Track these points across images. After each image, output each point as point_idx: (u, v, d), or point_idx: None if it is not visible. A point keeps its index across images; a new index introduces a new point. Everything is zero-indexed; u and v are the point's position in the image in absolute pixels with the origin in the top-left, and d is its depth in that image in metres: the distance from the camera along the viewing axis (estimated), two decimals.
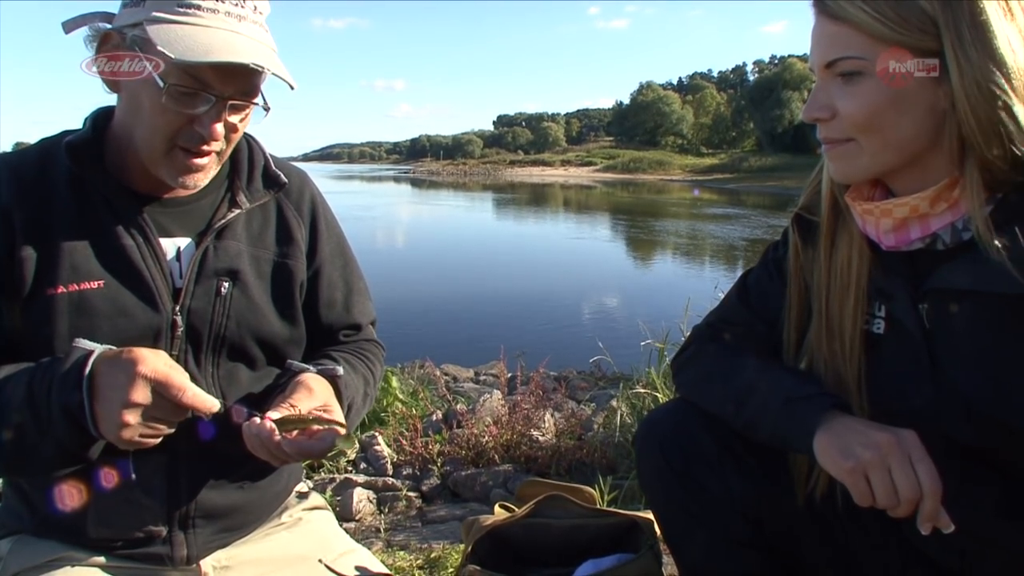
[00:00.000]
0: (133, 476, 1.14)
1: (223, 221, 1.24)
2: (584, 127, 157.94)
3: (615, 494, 2.64)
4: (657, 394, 3.00)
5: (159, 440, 1.03)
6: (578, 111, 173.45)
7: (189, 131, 1.12)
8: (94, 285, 1.12)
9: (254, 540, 1.34)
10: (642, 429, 1.21)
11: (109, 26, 1.11)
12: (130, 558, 1.21)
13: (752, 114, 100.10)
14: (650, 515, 1.30)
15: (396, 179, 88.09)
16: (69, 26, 1.12)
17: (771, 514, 1.19)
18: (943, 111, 0.96)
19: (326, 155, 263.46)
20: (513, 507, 1.39)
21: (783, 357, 1.21)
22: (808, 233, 1.17)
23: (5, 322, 1.11)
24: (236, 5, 1.10)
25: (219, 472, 1.24)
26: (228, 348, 1.23)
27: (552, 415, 3.81)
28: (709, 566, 1.21)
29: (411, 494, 3.10)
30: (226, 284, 1.21)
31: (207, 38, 1.06)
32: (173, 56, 1.03)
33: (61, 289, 1.10)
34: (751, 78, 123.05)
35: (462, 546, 2.53)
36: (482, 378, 6.27)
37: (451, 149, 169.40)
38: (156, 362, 0.98)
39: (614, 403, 4.22)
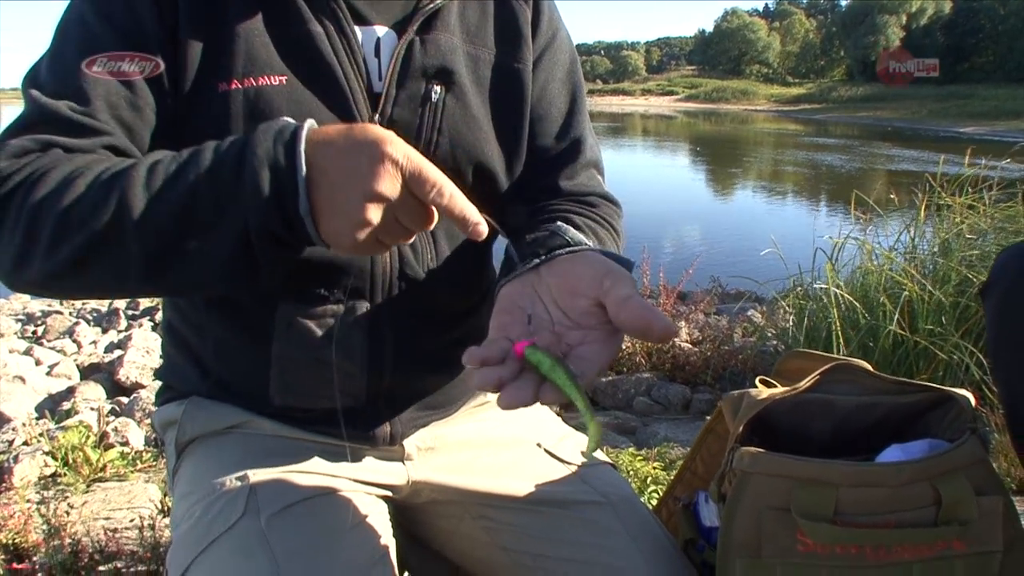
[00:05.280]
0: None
1: (432, 5, 0.95)
2: (665, 56, 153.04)
3: None
4: (837, 291, 2.70)
5: (390, 248, 0.75)
6: (659, 39, 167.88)
7: None
8: (275, 81, 0.88)
9: (460, 419, 1.13)
10: (1016, 264, 0.93)
11: None
12: (324, 433, 1.01)
13: (843, 41, 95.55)
14: (964, 392, 1.04)
15: None
16: None
17: None
18: None
19: None
20: (774, 382, 1.14)
21: None
22: None
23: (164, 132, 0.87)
24: None
25: (429, 331, 1.02)
26: None
27: (686, 325, 3.58)
28: None
29: None
30: (437, 89, 0.95)
31: None
32: None
33: (235, 84, 0.86)
34: (843, 2, 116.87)
35: (630, 449, 2.34)
36: None
37: None
38: (405, 146, 0.70)
39: (756, 314, 3.95)
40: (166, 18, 0.85)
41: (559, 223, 0.87)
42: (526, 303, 0.78)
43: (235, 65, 0.86)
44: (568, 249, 0.81)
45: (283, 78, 0.88)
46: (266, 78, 0.87)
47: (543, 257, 0.80)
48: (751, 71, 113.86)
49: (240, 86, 0.86)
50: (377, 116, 0.92)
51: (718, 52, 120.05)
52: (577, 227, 0.92)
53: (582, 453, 0.79)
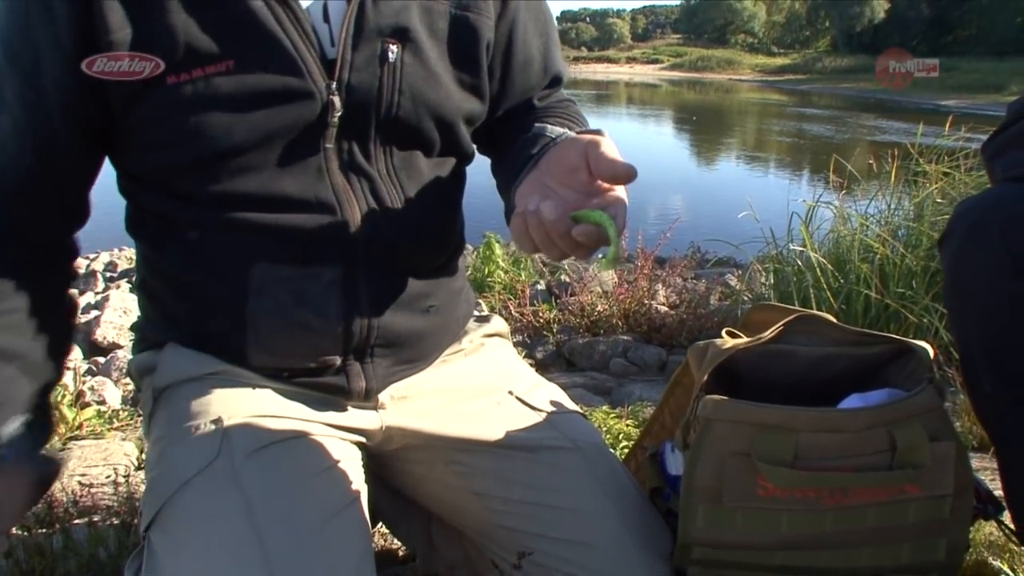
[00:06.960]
0: None
1: None
2: (650, 24, 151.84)
3: None
4: (812, 254, 2.74)
5: None
6: (644, 7, 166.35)
7: None
8: (221, 67, 0.84)
9: (433, 368, 1.14)
10: (972, 215, 0.94)
11: None
12: (300, 385, 1.02)
13: (829, 11, 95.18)
14: (924, 344, 1.06)
15: None
16: None
17: None
18: None
19: None
20: (740, 334, 1.16)
21: None
22: None
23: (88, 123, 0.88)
24: None
25: (405, 290, 1.02)
26: (402, 133, 0.96)
27: (663, 288, 3.61)
28: None
29: (527, 361, 2.94)
30: (394, 48, 0.92)
31: None
32: None
33: (184, 76, 0.84)
34: None
35: (604, 407, 2.36)
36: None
37: None
38: None
39: (733, 279, 3.98)
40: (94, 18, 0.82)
41: (537, 125, 0.99)
42: (539, 191, 0.86)
43: (176, 57, 0.84)
44: (554, 141, 0.93)
45: (230, 63, 0.85)
46: (213, 66, 0.85)
47: (535, 152, 0.93)
48: (736, 40, 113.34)
49: (189, 77, 0.84)
50: (334, 84, 0.90)
51: (703, 21, 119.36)
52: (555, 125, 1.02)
53: (597, 264, 0.92)
